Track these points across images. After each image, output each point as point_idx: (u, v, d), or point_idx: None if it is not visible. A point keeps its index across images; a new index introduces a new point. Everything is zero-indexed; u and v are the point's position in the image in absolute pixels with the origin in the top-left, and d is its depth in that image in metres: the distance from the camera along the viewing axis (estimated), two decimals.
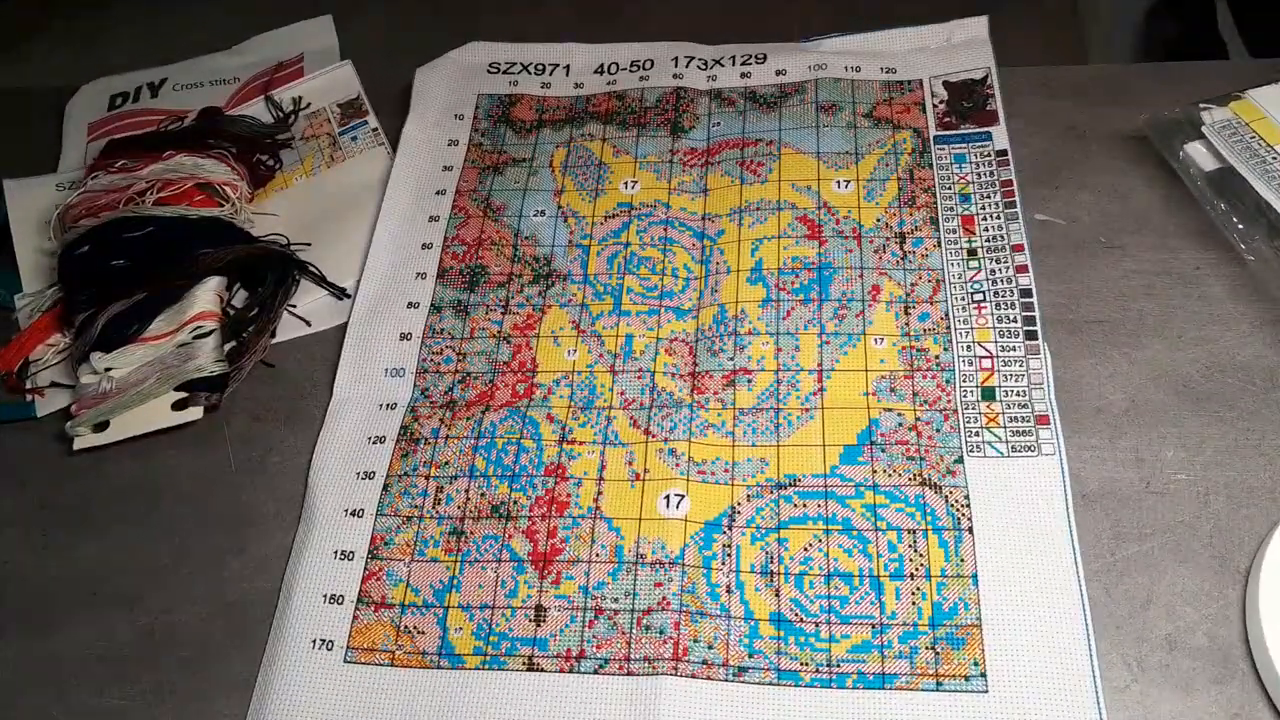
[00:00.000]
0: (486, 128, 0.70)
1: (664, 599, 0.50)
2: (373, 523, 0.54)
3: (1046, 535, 0.49)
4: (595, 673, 0.48)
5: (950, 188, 0.62)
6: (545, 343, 0.59)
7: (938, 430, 0.53)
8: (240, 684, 0.50)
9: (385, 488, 0.55)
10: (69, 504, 0.57)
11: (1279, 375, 0.54)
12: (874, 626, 0.48)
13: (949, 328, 0.57)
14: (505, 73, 0.73)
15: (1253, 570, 0.48)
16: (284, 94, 0.75)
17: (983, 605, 0.48)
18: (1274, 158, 0.58)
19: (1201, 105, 0.61)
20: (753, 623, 0.49)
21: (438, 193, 0.67)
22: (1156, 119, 0.63)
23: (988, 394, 0.54)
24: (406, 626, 0.51)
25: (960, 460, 0.52)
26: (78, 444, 0.58)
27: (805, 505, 0.52)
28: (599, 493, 0.54)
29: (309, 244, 0.67)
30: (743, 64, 0.71)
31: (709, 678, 0.48)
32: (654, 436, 0.55)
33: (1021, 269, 0.58)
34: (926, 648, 0.47)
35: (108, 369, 0.59)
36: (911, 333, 0.57)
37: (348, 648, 0.50)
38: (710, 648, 0.48)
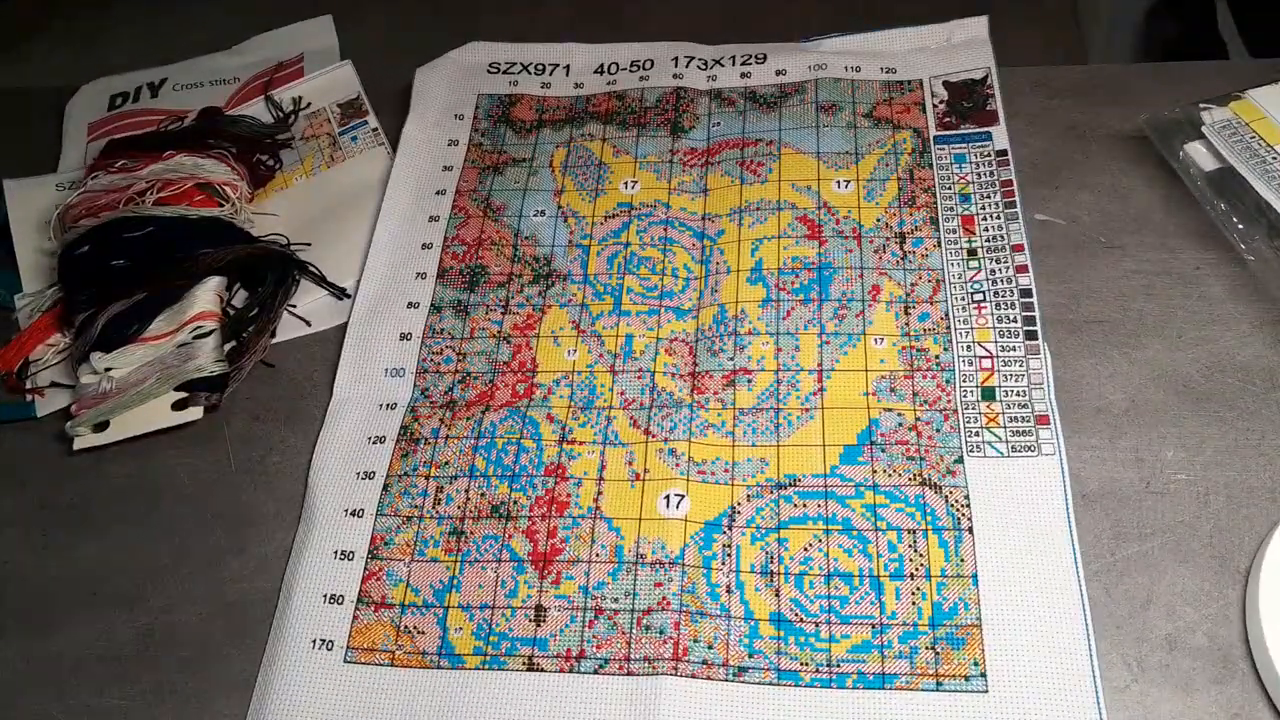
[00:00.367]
0: (486, 128, 0.70)
1: (664, 599, 0.50)
2: (373, 523, 0.54)
3: (1046, 535, 0.49)
4: (595, 673, 0.48)
5: (950, 188, 0.62)
6: (545, 343, 0.59)
7: (938, 430, 0.53)
8: (240, 684, 0.50)
9: (385, 488, 0.55)
10: (69, 504, 0.57)
11: (1279, 375, 0.54)
12: (874, 626, 0.48)
13: (949, 328, 0.57)
14: (505, 73, 0.73)
15: (1253, 570, 0.48)
16: (284, 94, 0.75)
17: (983, 605, 0.48)
18: (1274, 158, 0.58)
19: (1201, 105, 0.61)
20: (753, 623, 0.49)
21: (438, 193, 0.67)
22: (1156, 119, 0.63)
23: (988, 394, 0.54)
24: (406, 626, 0.51)
25: (960, 460, 0.52)
26: (78, 444, 0.58)
27: (805, 505, 0.52)
28: (599, 493, 0.54)
29: (309, 244, 0.67)
30: (743, 64, 0.71)
31: (709, 678, 0.48)
32: (654, 436, 0.55)
33: (1021, 269, 0.58)
34: (926, 648, 0.47)
35: (108, 369, 0.59)
36: (911, 333, 0.57)
37: (348, 648, 0.50)
38: (710, 648, 0.48)
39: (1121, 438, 0.53)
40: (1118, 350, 0.56)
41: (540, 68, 0.73)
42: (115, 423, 0.58)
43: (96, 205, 0.64)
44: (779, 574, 0.50)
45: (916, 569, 0.49)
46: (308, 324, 0.63)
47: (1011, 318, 0.56)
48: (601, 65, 0.73)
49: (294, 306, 0.64)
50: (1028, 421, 0.53)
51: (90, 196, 0.65)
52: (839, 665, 0.47)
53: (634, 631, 0.49)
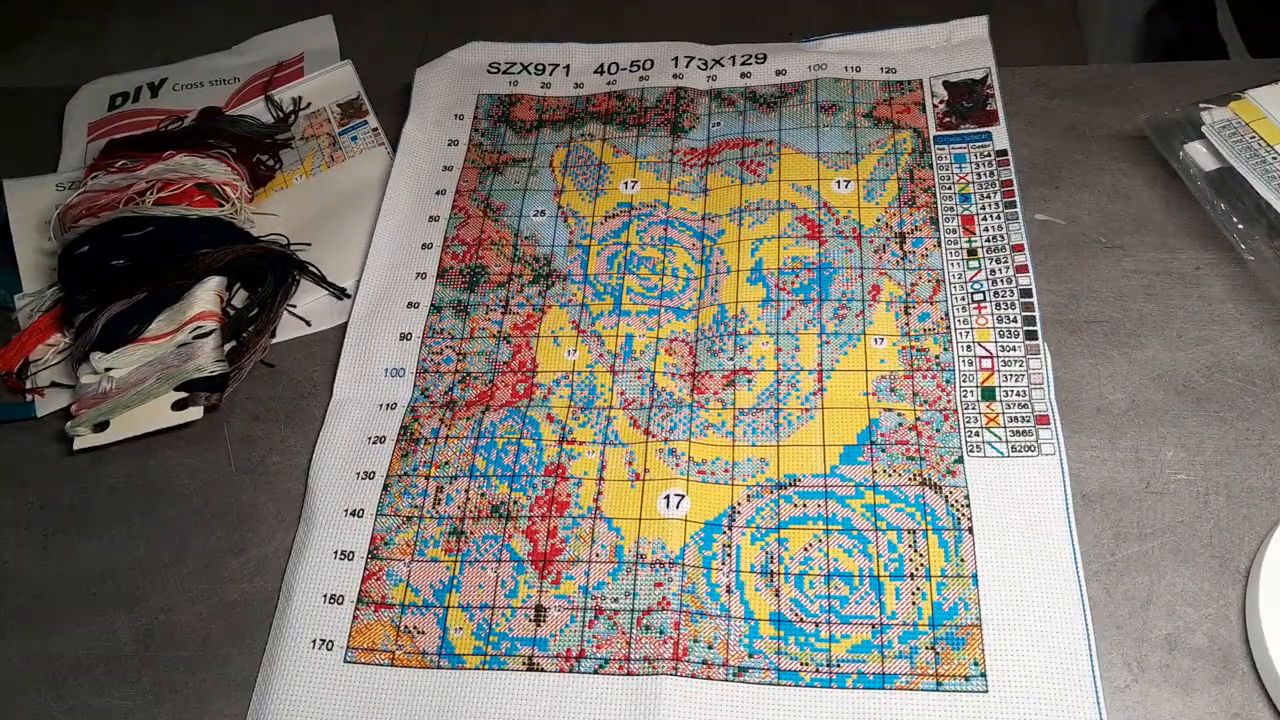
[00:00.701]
0: (486, 128, 0.70)
1: (664, 599, 0.50)
2: (373, 523, 0.54)
3: (1046, 535, 0.49)
4: (595, 673, 0.49)
5: (950, 188, 0.62)
6: (545, 343, 0.59)
7: (938, 430, 0.53)
8: (240, 684, 0.50)
9: (385, 488, 0.55)
10: (69, 504, 0.57)
11: (1279, 375, 0.54)
12: (874, 626, 0.48)
13: (949, 328, 0.57)
14: (505, 73, 0.73)
15: (1253, 570, 0.48)
16: (284, 94, 0.75)
17: (983, 605, 0.48)
18: (1274, 158, 0.58)
19: (1201, 105, 0.61)
20: (753, 623, 0.49)
21: (438, 193, 0.67)
22: (1156, 119, 0.63)
23: (988, 394, 0.54)
24: (406, 626, 0.51)
25: (960, 460, 0.52)
26: (78, 444, 0.58)
27: (805, 505, 0.52)
28: (599, 493, 0.54)
29: (309, 244, 0.67)
30: (743, 64, 0.71)
31: (709, 678, 0.48)
32: (654, 436, 0.55)
33: (1021, 269, 0.58)
34: (926, 648, 0.47)
35: (108, 369, 0.59)
36: (911, 333, 0.57)
37: (348, 648, 0.50)
38: (710, 648, 0.48)
39: (1121, 438, 0.53)
40: (1118, 350, 0.56)
41: (540, 68, 0.73)
42: (115, 423, 0.58)
43: (96, 205, 0.64)
44: (779, 574, 0.50)
45: (916, 569, 0.50)
46: (308, 324, 0.63)
47: (1011, 318, 0.56)
48: (601, 65, 0.73)
49: (294, 306, 0.64)
50: (1028, 421, 0.53)
51: (90, 196, 0.65)
52: (839, 665, 0.47)
53: (634, 631, 0.49)
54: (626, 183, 0.66)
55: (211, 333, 0.60)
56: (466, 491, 0.54)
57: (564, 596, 0.51)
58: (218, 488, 0.57)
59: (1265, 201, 0.57)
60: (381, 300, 0.62)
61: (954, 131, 0.64)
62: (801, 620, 0.49)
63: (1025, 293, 0.57)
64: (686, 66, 0.71)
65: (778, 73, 0.69)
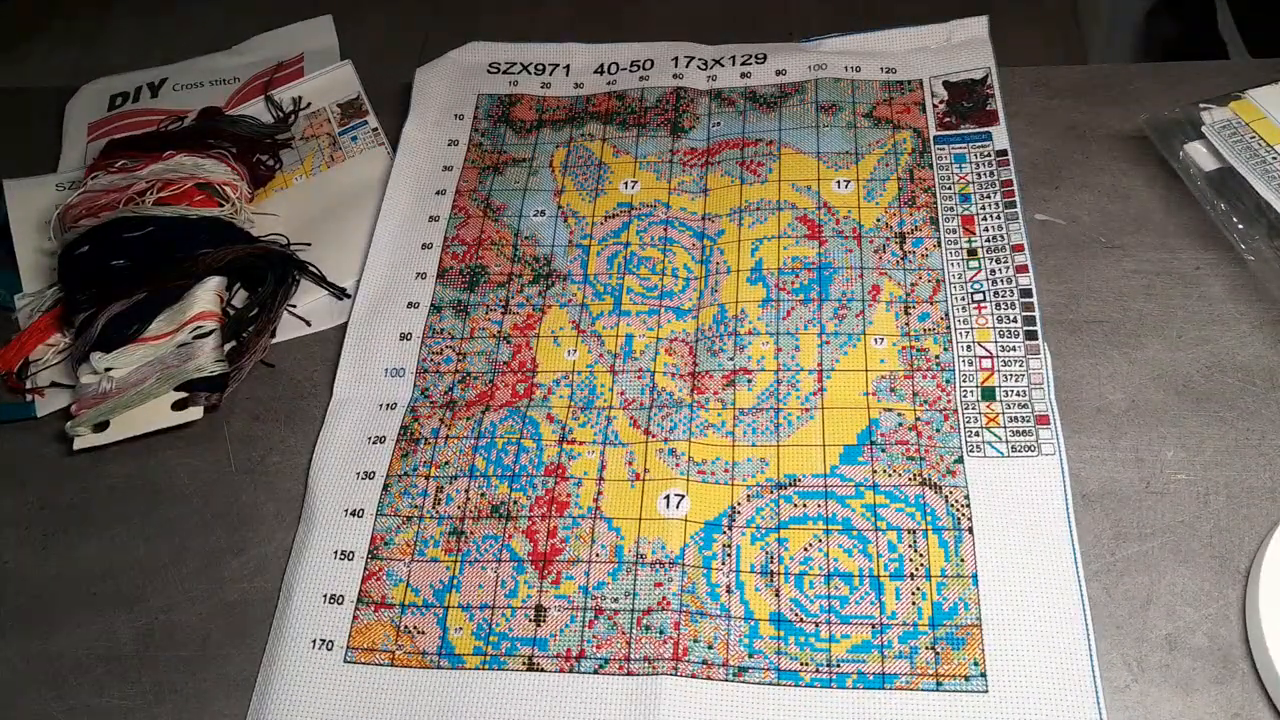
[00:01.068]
0: (486, 128, 0.70)
1: (664, 599, 0.50)
2: (373, 523, 0.54)
3: (1046, 535, 0.49)
4: (595, 673, 0.49)
5: (950, 188, 0.62)
6: (545, 343, 0.59)
7: (938, 430, 0.53)
8: (240, 684, 0.50)
9: (385, 488, 0.55)
10: (69, 504, 0.57)
11: (1279, 375, 0.54)
12: (874, 626, 0.48)
13: (949, 328, 0.57)
14: (505, 73, 0.73)
15: (1253, 570, 0.48)
16: (284, 94, 0.75)
17: (983, 605, 0.48)
18: (1274, 158, 0.58)
19: (1201, 105, 0.61)
20: (753, 623, 0.49)
21: (438, 193, 0.67)
22: (1156, 119, 0.63)
23: (988, 394, 0.54)
24: (406, 626, 0.51)
25: (960, 460, 0.52)
26: (78, 444, 0.58)
27: (805, 505, 0.52)
28: (599, 493, 0.54)
29: (309, 244, 0.67)
30: (743, 64, 0.71)
31: (709, 678, 0.48)
32: (654, 436, 0.55)
33: (1021, 269, 0.58)
34: (926, 648, 0.47)
35: (108, 369, 0.59)
36: (911, 333, 0.57)
37: (348, 648, 0.50)
38: (710, 648, 0.48)
39: (1121, 438, 0.53)
40: (1118, 350, 0.56)
41: (540, 68, 0.73)
42: (115, 423, 0.58)
43: (96, 205, 0.64)
44: (779, 574, 0.50)
45: (916, 569, 0.50)
46: (308, 324, 0.63)
47: (1011, 318, 0.56)
48: (601, 65, 0.73)
49: (294, 306, 0.64)
50: (1028, 421, 0.53)
51: (90, 196, 0.65)
52: (839, 665, 0.47)
53: (634, 631, 0.49)
54: (626, 183, 0.66)
55: (211, 333, 0.60)
56: (466, 491, 0.54)
57: (564, 596, 0.51)
58: (218, 488, 0.57)
59: (1265, 201, 0.57)
60: (381, 300, 0.62)
61: (954, 131, 0.64)
62: (801, 620, 0.49)
63: (1025, 293, 0.57)
64: (686, 66, 0.71)
65: (778, 73, 0.69)
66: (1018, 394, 0.54)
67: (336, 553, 0.53)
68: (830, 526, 0.51)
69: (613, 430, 0.56)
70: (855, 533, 0.51)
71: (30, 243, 0.69)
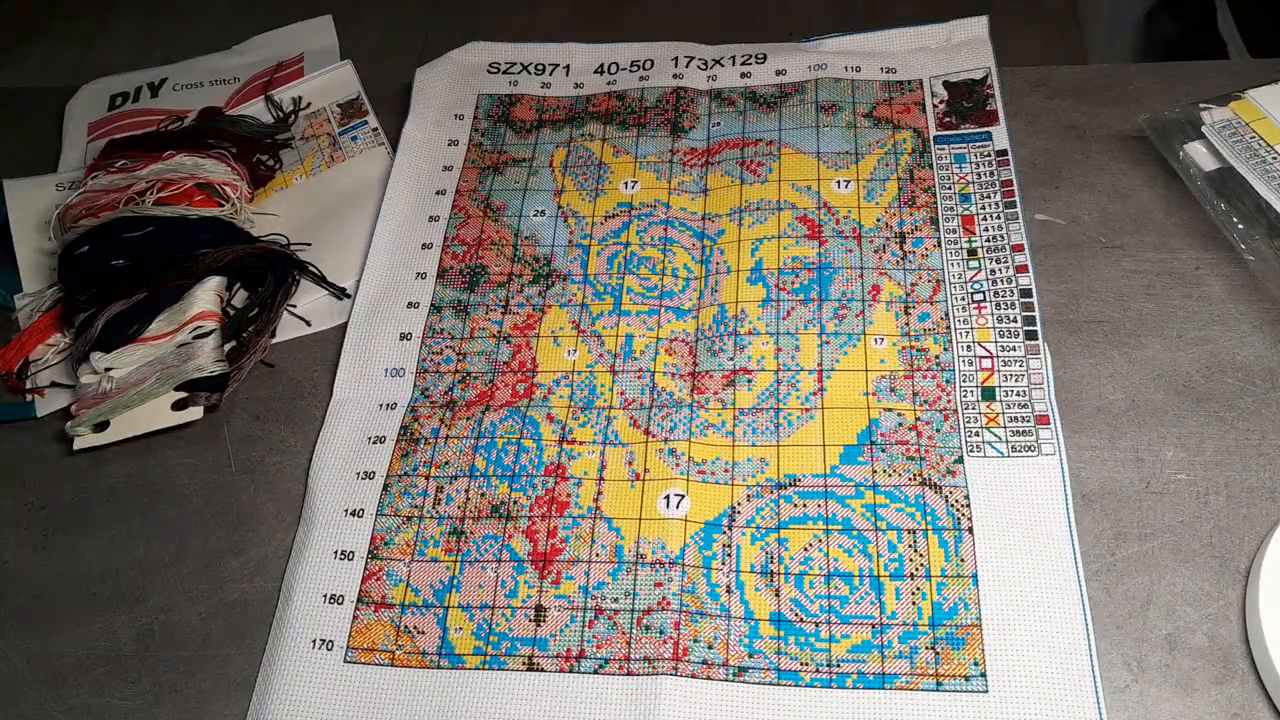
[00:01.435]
0: (486, 128, 0.70)
1: (664, 599, 0.50)
2: (373, 523, 0.54)
3: (1046, 535, 0.49)
4: (595, 673, 0.49)
5: (950, 188, 0.62)
6: (545, 343, 0.59)
7: (938, 430, 0.53)
8: (240, 684, 0.50)
9: (385, 488, 0.55)
10: (69, 504, 0.57)
11: (1279, 375, 0.54)
12: (874, 626, 0.48)
13: (949, 328, 0.57)
14: (505, 73, 0.73)
15: (1253, 570, 0.48)
16: (284, 94, 0.75)
17: (983, 605, 0.48)
18: (1274, 158, 0.58)
19: (1201, 105, 0.61)
20: (753, 623, 0.49)
21: (438, 193, 0.67)
22: (1156, 119, 0.63)
23: (988, 394, 0.54)
24: (406, 626, 0.51)
25: (960, 460, 0.52)
26: (78, 444, 0.58)
27: (805, 505, 0.52)
28: (599, 493, 0.54)
29: (309, 244, 0.67)
30: (743, 64, 0.71)
31: (709, 678, 0.48)
32: (654, 436, 0.55)
33: (1021, 269, 0.58)
34: (926, 648, 0.47)
35: (108, 369, 0.59)
36: (911, 333, 0.57)
37: (348, 648, 0.50)
38: (710, 648, 0.48)
39: (1121, 438, 0.53)
40: (1118, 350, 0.56)
41: (540, 68, 0.73)
42: (115, 423, 0.58)
43: (96, 205, 0.64)
44: (779, 574, 0.50)
45: (916, 569, 0.50)
46: (308, 324, 0.63)
47: (1011, 318, 0.56)
48: (601, 65, 0.73)
49: (294, 306, 0.64)
50: (1028, 421, 0.53)
51: (90, 196, 0.65)
52: (839, 665, 0.47)
53: (634, 631, 0.49)
54: (626, 183, 0.66)
55: (211, 333, 0.60)
56: (466, 491, 0.54)
57: (564, 596, 0.51)
58: (218, 488, 0.57)
59: (1265, 201, 0.57)
60: (381, 300, 0.62)
61: (954, 131, 0.64)
62: (801, 620, 0.49)
63: (1025, 293, 0.57)
64: (686, 66, 0.71)
65: (778, 73, 0.69)
66: (1018, 394, 0.54)
67: (336, 553, 0.53)
68: (830, 526, 0.51)
69: (613, 430, 0.56)
70: (855, 533, 0.51)
71: (30, 243, 0.69)
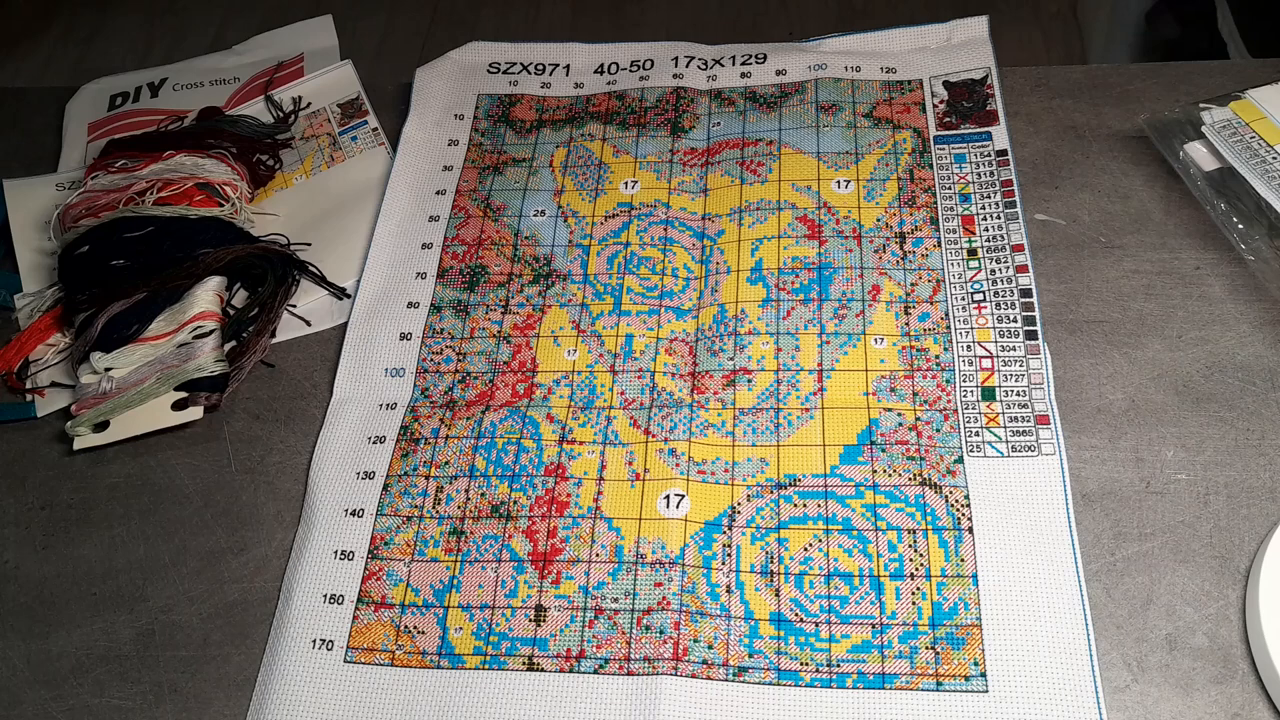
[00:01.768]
0: (486, 128, 0.70)
1: (664, 599, 0.50)
2: (373, 523, 0.54)
3: (1046, 535, 0.49)
4: (595, 673, 0.49)
5: (950, 188, 0.62)
6: (545, 343, 0.59)
7: (938, 430, 0.53)
8: (240, 684, 0.50)
9: (385, 488, 0.55)
10: (69, 504, 0.57)
11: (1279, 375, 0.54)
12: (874, 626, 0.48)
13: (949, 328, 0.57)
14: (505, 73, 0.73)
15: (1253, 570, 0.48)
16: (284, 94, 0.75)
17: (983, 605, 0.48)
18: (1274, 158, 0.58)
19: (1201, 105, 0.61)
20: (753, 623, 0.49)
21: (438, 193, 0.67)
22: (1156, 119, 0.63)
23: (988, 394, 0.54)
24: (406, 626, 0.51)
25: (960, 460, 0.52)
26: (78, 444, 0.58)
27: (805, 505, 0.52)
28: (599, 493, 0.54)
29: (309, 244, 0.67)
30: (743, 64, 0.71)
31: (709, 678, 0.48)
32: (654, 436, 0.55)
33: (1021, 269, 0.58)
34: (926, 648, 0.47)
35: (108, 369, 0.59)
36: (911, 333, 0.57)
37: (348, 648, 0.50)
38: (710, 648, 0.48)
39: (1121, 438, 0.53)
40: (1118, 350, 0.56)
41: (540, 68, 0.73)
42: (115, 423, 0.58)
43: (96, 205, 0.64)
44: (779, 574, 0.50)
45: (916, 569, 0.49)
46: (308, 324, 0.63)
47: (1011, 318, 0.56)
48: (601, 65, 0.73)
49: (294, 306, 0.64)
50: (1028, 421, 0.53)
51: (90, 196, 0.65)
52: (839, 665, 0.47)
53: (634, 631, 0.49)
54: (626, 183, 0.66)
55: (211, 333, 0.60)
56: (466, 491, 0.54)
57: (564, 596, 0.51)
58: (218, 488, 0.57)
59: (1265, 201, 0.57)
60: (381, 300, 0.62)
61: (954, 131, 0.64)
62: (801, 620, 0.49)
63: (1025, 293, 0.57)
64: (686, 66, 0.71)
65: (778, 73, 0.69)
66: (1018, 394, 0.54)
67: (336, 553, 0.53)
68: (830, 526, 0.51)
69: (613, 430, 0.56)
70: (855, 533, 0.51)
71: (30, 243, 0.69)
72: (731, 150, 0.66)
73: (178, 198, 0.65)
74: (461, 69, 0.73)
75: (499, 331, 0.60)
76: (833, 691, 0.47)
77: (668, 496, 0.53)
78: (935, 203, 0.61)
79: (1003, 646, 0.47)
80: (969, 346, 0.56)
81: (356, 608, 0.51)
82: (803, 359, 0.57)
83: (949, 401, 0.54)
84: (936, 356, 0.56)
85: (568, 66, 0.73)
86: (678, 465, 0.54)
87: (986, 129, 0.64)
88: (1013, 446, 0.52)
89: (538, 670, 0.49)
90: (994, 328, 0.56)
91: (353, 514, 0.54)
